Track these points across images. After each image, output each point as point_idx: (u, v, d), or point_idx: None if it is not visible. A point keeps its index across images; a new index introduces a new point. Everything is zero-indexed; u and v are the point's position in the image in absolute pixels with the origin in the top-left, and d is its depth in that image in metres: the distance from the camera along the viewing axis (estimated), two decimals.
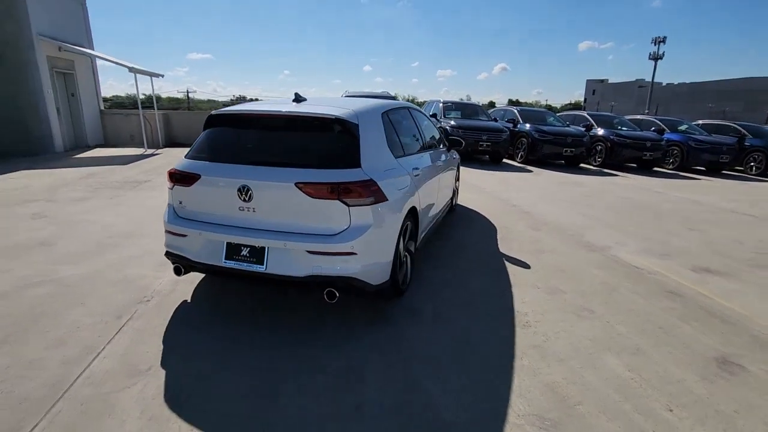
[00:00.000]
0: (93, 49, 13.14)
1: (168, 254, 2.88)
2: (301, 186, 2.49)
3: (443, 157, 4.64)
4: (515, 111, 12.69)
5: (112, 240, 4.25)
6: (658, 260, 4.20)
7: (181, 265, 2.82)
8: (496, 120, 12.22)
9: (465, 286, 3.43)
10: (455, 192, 5.61)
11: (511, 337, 2.70)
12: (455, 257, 4.07)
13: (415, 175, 3.30)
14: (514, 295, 3.30)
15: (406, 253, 3.22)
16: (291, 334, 2.66)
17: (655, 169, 11.93)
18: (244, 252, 2.61)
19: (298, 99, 3.11)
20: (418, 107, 4.53)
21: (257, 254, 2.58)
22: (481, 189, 7.47)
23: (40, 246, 4.02)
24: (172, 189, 2.85)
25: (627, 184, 8.93)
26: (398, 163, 3.09)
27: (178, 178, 2.77)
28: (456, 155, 5.46)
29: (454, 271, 3.72)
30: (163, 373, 2.26)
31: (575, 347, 2.61)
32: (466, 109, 12.33)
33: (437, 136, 4.76)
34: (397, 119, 3.57)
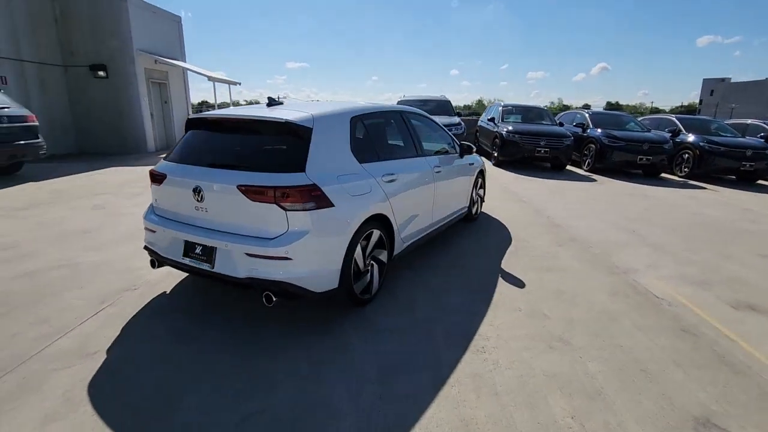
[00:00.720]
0: (185, 61, 14.76)
1: (145, 248, 3.12)
2: (243, 189, 2.53)
3: (452, 163, 4.42)
4: (585, 114, 11.62)
5: (141, 232, 4.71)
6: (691, 289, 3.55)
7: (155, 258, 3.03)
8: (561, 124, 11.33)
9: (438, 301, 3.22)
10: (475, 200, 5.30)
11: (455, 361, 2.47)
12: (445, 269, 3.84)
13: (388, 181, 3.18)
14: (487, 315, 3.02)
15: (372, 262, 3.12)
16: (235, 335, 2.72)
17: (761, 182, 10.11)
18: (198, 250, 2.73)
19: (271, 103, 3.18)
20: (420, 112, 4.36)
21: (207, 253, 2.68)
22: (520, 198, 6.96)
23: (81, 234, 4.61)
24: (151, 187, 3.09)
25: (710, 199, 7.69)
26: (363, 169, 3.00)
27: (153, 177, 3.00)
28: (477, 161, 5.15)
29: (436, 284, 3.51)
30: (103, 358, 2.45)
31: (523, 381, 2.30)
32: (528, 112, 11.60)
33: (445, 142, 4.54)
34: (377, 124, 3.48)
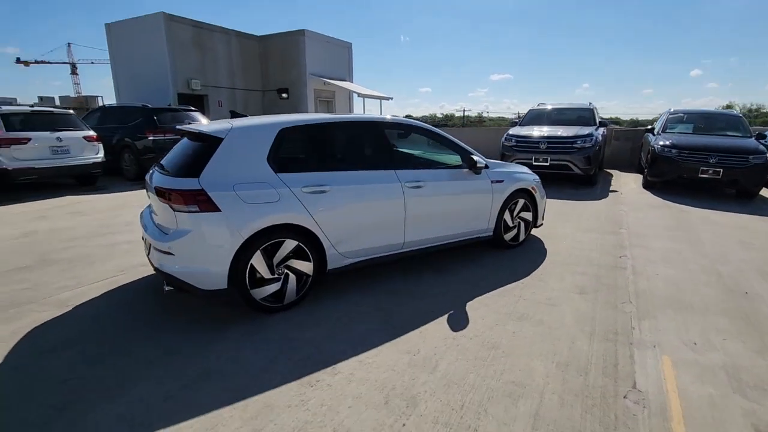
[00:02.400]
0: (351, 81, 16.83)
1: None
2: (155, 190, 2.98)
3: (455, 179, 3.97)
4: None
5: None
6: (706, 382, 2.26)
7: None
8: (764, 137, 8.24)
9: (346, 329, 2.99)
10: (511, 224, 4.52)
11: (263, 373, 2.32)
12: (392, 296, 3.48)
13: (311, 192, 3.15)
14: (363, 352, 2.66)
15: (287, 271, 3.15)
16: (164, 330, 3.19)
17: None
18: (146, 246, 3.31)
19: (233, 116, 3.56)
20: (417, 125, 4.03)
21: (148, 248, 3.24)
22: (616, 229, 5.47)
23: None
24: None
25: None
26: (277, 178, 3.07)
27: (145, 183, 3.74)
28: (511, 180, 4.39)
29: (360, 312, 3.25)
30: (15, 340, 3.25)
31: None
32: (707, 120, 8.84)
33: (452, 157, 4.09)
34: (318, 136, 3.47)
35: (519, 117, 10.37)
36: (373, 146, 3.68)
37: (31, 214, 6.52)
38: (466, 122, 54.16)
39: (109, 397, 2.23)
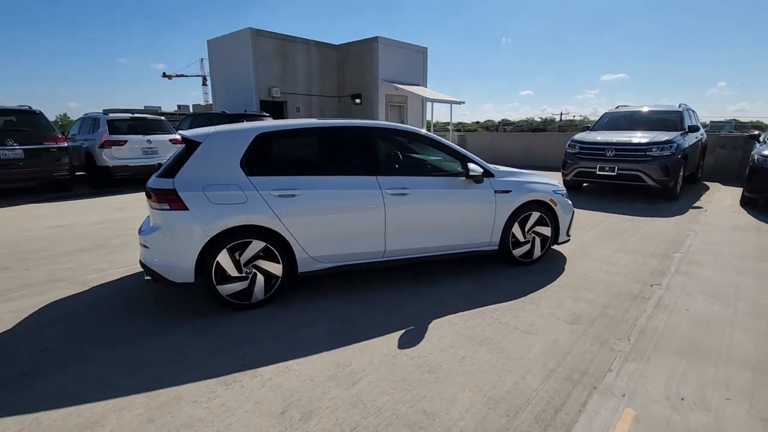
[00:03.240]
0: (426, 86, 16.73)
1: None
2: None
3: (449, 187, 3.77)
4: None
5: None
6: None
7: None
8: None
9: (290, 335, 3.00)
10: (522, 239, 4.13)
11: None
12: (364, 306, 3.38)
13: (280, 195, 3.22)
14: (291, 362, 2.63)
15: (255, 271, 3.26)
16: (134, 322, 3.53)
17: None
18: None
19: (230, 120, 3.78)
20: (409, 130, 3.89)
21: None
22: (666, 254, 4.64)
23: None
24: None
25: None
26: (248, 181, 3.19)
27: None
28: (521, 190, 4.01)
29: (328, 316, 3.22)
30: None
31: None
32: None
33: (444, 164, 3.89)
34: (295, 141, 3.52)
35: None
36: (355, 151, 3.62)
37: (115, 205, 7.63)
38: (565, 126, 50.37)
39: (62, 369, 2.53)
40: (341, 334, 2.93)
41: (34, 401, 2.24)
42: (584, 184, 9.09)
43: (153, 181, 3.17)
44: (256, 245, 3.21)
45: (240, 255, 3.19)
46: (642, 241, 5.12)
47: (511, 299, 3.47)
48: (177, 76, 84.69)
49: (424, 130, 3.96)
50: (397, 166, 3.94)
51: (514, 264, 4.20)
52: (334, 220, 3.42)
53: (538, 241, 4.23)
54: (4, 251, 4.89)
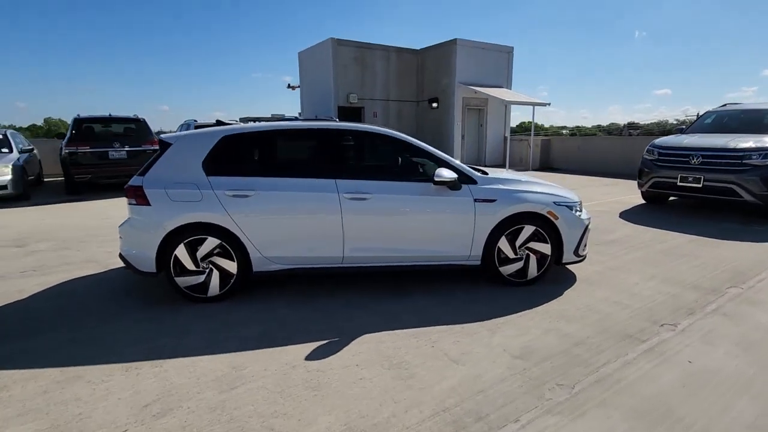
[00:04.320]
0: (510, 88, 15.77)
1: None
2: None
3: (420, 194, 3.51)
4: None
5: None
6: None
7: None
8: None
9: (224, 330, 3.05)
10: (513, 256, 3.64)
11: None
12: (314, 313, 3.27)
13: (233, 195, 3.31)
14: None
15: (212, 267, 3.40)
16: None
17: None
18: None
19: (217, 124, 4.00)
20: (370, 129, 3.70)
21: None
22: (716, 288, 3.64)
23: None
24: None
25: None
26: (207, 181, 3.34)
27: None
28: (510, 200, 3.55)
29: (273, 317, 3.20)
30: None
31: None
32: None
33: (402, 167, 3.65)
34: (259, 143, 3.55)
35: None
36: (315, 154, 3.56)
37: None
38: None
39: (41, 335, 2.92)
40: (264, 337, 2.89)
41: None
42: (670, 198, 7.67)
43: (131, 179, 3.50)
44: (212, 242, 3.35)
45: (197, 250, 3.35)
46: (696, 269, 4.13)
47: (470, 322, 3.07)
48: (298, 87, 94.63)
49: (394, 132, 3.70)
50: (362, 169, 3.77)
51: (505, 283, 3.71)
52: (288, 222, 3.40)
53: (533, 259, 3.67)
54: (82, 234, 5.84)
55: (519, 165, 14.86)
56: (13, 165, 8.63)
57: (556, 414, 2.09)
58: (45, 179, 11.58)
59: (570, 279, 3.89)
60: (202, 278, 3.40)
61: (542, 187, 3.78)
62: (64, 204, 8.27)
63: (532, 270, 3.70)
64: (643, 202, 7.72)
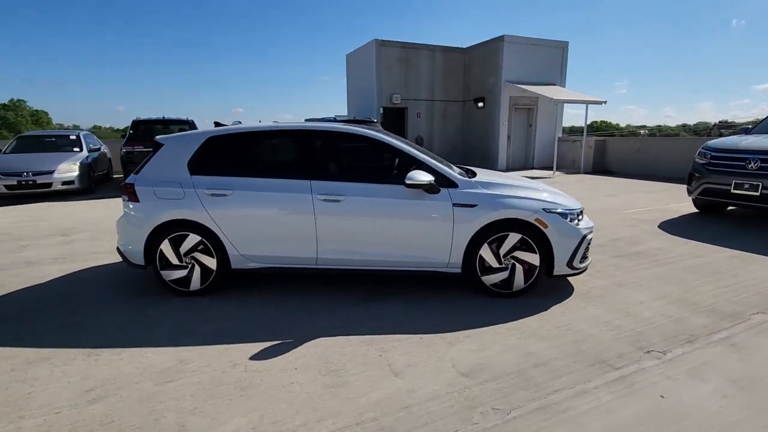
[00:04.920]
0: (564, 86, 14.85)
1: None
2: None
3: (393, 196, 3.40)
4: None
5: None
6: None
7: None
8: None
9: (201, 322, 3.16)
10: (497, 266, 3.40)
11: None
12: (294, 313, 3.29)
13: (212, 194, 3.43)
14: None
15: (194, 262, 3.55)
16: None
17: None
18: None
19: (216, 125, 4.17)
20: (349, 130, 3.61)
21: None
22: (736, 312, 3.12)
23: None
24: None
25: None
26: (190, 180, 3.49)
27: None
28: (462, 203, 3.33)
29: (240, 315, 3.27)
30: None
31: None
32: None
33: (381, 169, 3.53)
34: (241, 144, 3.62)
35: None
36: (293, 155, 3.57)
37: None
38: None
39: (37, 319, 3.24)
40: (221, 334, 2.96)
41: None
42: (729, 207, 6.78)
43: (128, 177, 3.76)
44: (193, 239, 3.49)
45: (180, 246, 3.52)
46: (724, 289, 3.60)
47: (433, 332, 2.92)
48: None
49: (372, 132, 3.59)
50: (339, 171, 3.72)
51: (489, 294, 3.48)
52: (263, 222, 3.46)
53: (519, 269, 3.41)
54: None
55: (570, 167, 13.94)
56: (80, 162, 9.68)
57: None
58: (114, 176, 12.83)
59: (565, 293, 3.57)
60: (184, 273, 3.56)
61: (533, 192, 3.50)
62: (119, 198, 9.10)
63: (519, 281, 3.43)
64: (695, 210, 6.89)
